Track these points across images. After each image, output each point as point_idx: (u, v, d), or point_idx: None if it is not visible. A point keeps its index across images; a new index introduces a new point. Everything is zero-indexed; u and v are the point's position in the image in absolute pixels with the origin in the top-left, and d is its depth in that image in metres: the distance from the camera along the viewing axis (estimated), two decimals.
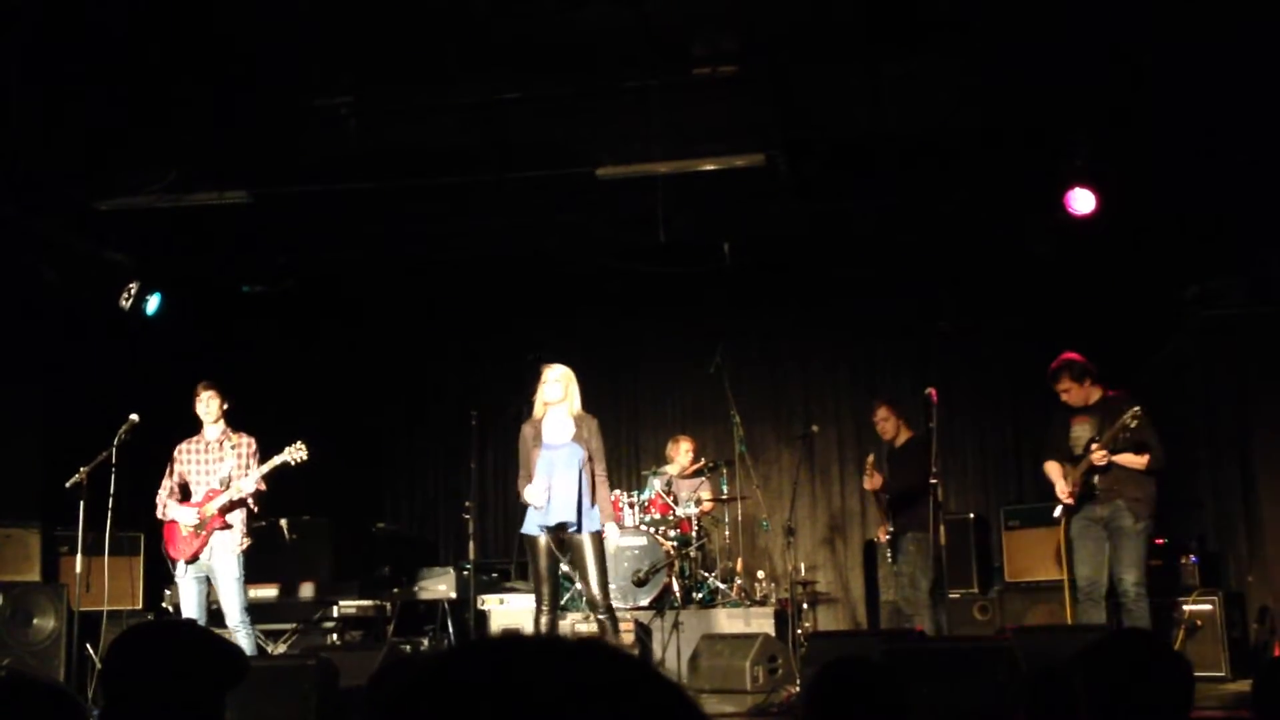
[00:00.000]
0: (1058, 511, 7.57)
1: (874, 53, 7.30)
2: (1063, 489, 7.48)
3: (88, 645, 8.26)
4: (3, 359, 8.88)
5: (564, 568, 7.38)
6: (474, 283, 10.77)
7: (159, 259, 9.50)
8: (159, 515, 7.58)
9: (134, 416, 7.67)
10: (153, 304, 9.52)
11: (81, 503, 7.68)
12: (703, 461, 9.92)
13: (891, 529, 8.73)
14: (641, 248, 9.47)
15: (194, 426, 7.76)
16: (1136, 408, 7.20)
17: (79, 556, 7.88)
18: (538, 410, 7.24)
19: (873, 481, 8.82)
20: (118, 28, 6.80)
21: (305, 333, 10.89)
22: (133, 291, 9.39)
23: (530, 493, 7.06)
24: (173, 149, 8.14)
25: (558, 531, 7.09)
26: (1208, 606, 7.94)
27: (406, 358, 11.17)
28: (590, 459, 7.11)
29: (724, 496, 9.70)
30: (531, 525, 7.13)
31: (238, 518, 7.52)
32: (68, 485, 7.66)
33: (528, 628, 8.70)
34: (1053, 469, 7.65)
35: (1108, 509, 7.38)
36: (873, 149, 8.46)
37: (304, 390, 10.47)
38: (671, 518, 9.32)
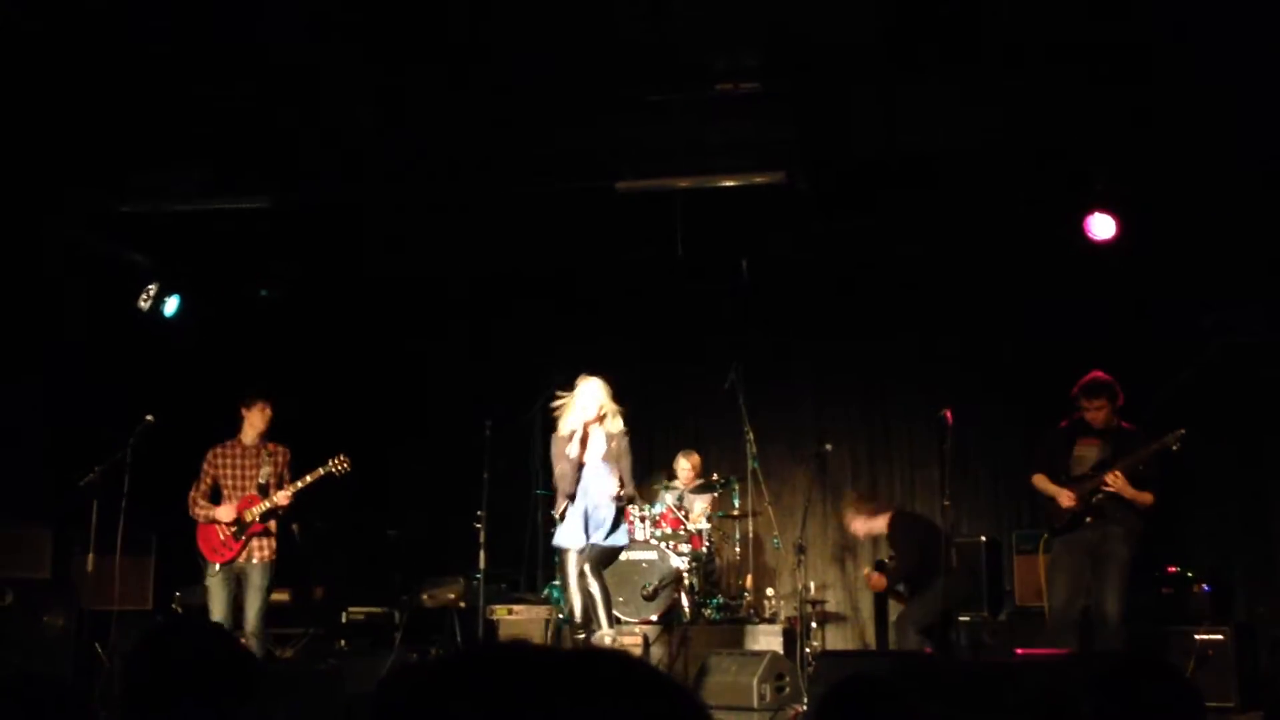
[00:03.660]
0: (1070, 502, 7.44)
1: (894, 74, 7.31)
2: (1067, 495, 7.37)
3: (97, 645, 8.27)
4: (17, 358, 8.93)
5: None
6: (490, 293, 10.79)
7: (179, 261, 9.55)
8: (192, 515, 7.72)
9: (149, 417, 7.77)
10: (171, 306, 9.56)
11: (95, 502, 7.73)
12: (714, 477, 9.89)
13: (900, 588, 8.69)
14: (659, 262, 9.47)
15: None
16: (1181, 430, 7.13)
17: (90, 555, 7.90)
18: (574, 426, 7.33)
19: (877, 583, 8.76)
20: (144, 32, 6.84)
21: (321, 339, 10.92)
22: (152, 293, 9.43)
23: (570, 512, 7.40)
24: (196, 153, 8.19)
25: (590, 547, 7.37)
26: (1219, 636, 7.89)
27: (421, 365, 11.19)
28: (620, 476, 7.39)
29: (734, 512, 9.68)
30: (566, 539, 7.32)
31: (274, 526, 7.74)
32: (81, 484, 7.73)
33: (536, 637, 8.70)
34: (1046, 481, 7.56)
35: (1098, 534, 7.31)
36: (892, 169, 8.46)
37: (318, 395, 10.49)
38: (683, 532, 9.30)
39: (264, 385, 8.13)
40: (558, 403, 7.64)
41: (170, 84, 7.38)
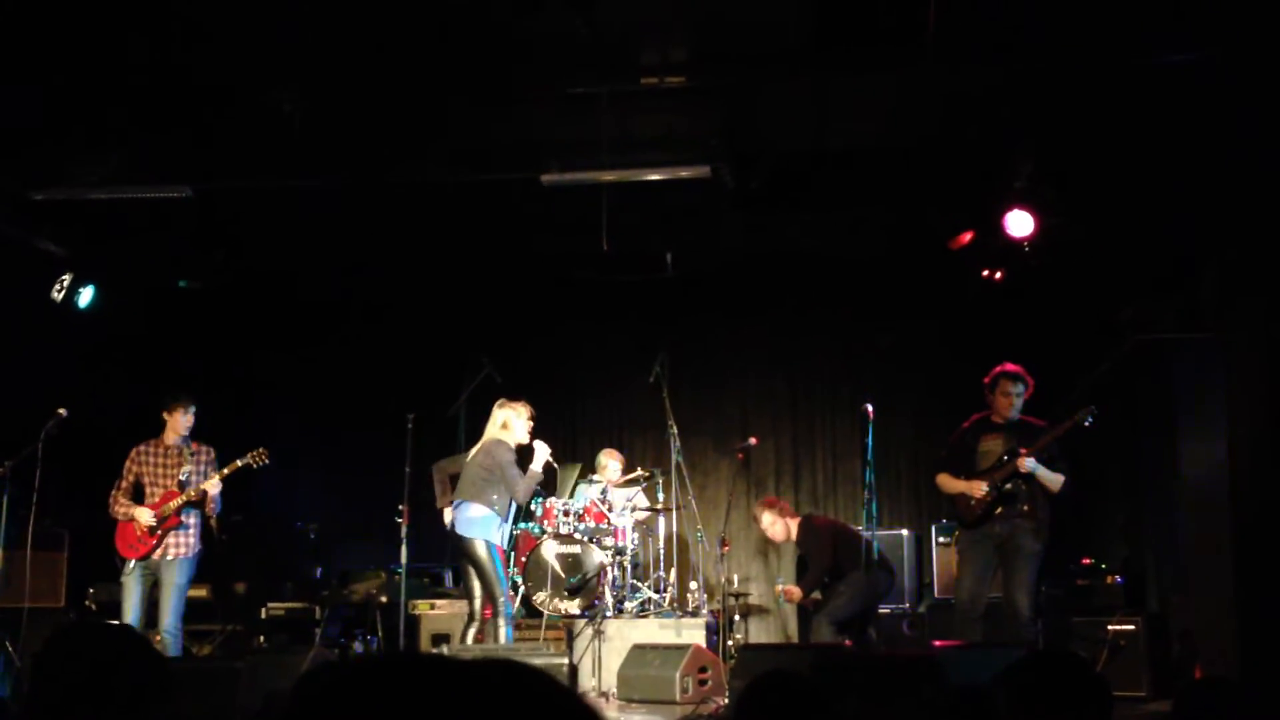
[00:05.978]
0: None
1: (821, 68, 7.34)
2: (979, 485, 7.42)
3: (6, 643, 8.09)
4: None
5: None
6: (413, 283, 10.70)
7: (94, 251, 9.35)
8: (112, 514, 7.66)
9: (62, 411, 7.65)
10: (86, 296, 9.35)
11: (5, 496, 7.57)
12: (638, 471, 9.90)
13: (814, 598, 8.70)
14: (584, 255, 9.45)
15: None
16: (1092, 406, 7.24)
17: (0, 551, 7.73)
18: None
19: (793, 595, 8.78)
20: (59, 13, 6.68)
21: (239, 330, 10.77)
22: (65, 283, 9.23)
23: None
24: (113, 140, 8.01)
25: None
26: (1131, 627, 8.06)
27: (342, 357, 11.06)
28: None
29: (659, 506, 9.70)
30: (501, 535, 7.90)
31: (193, 521, 7.67)
32: None
33: (457, 632, 8.66)
34: (950, 479, 7.62)
35: (1008, 527, 7.37)
36: (818, 164, 8.52)
37: (236, 388, 10.35)
38: (606, 526, 9.30)
39: (183, 383, 8.06)
40: (511, 409, 8.01)
41: (87, 65, 7.21)
